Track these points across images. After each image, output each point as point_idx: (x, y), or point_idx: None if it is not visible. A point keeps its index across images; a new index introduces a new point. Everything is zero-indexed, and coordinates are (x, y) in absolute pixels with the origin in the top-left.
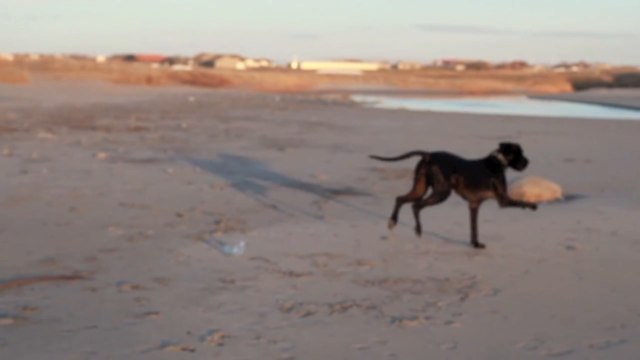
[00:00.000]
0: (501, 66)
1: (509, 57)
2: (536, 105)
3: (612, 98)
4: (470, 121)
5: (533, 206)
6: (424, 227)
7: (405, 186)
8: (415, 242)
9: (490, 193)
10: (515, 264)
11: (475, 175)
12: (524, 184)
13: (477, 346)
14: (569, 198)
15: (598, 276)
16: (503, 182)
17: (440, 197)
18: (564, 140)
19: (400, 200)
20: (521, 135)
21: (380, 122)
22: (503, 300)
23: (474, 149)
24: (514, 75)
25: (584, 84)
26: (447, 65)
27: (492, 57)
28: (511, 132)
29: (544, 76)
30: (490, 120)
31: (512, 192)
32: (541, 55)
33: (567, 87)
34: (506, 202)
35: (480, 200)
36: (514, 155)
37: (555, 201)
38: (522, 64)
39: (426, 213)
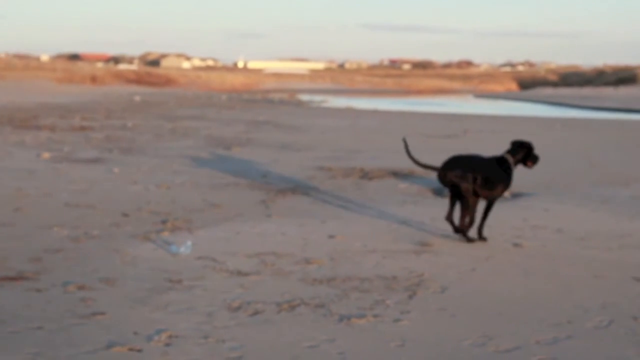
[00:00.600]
0: (447, 65)
1: (455, 57)
2: (482, 104)
3: (558, 97)
4: (417, 120)
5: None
6: (370, 226)
7: (352, 185)
8: (363, 241)
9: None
10: (462, 261)
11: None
12: None
13: (425, 344)
14: (515, 196)
15: (545, 273)
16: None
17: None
18: (510, 138)
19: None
20: (467, 133)
21: (327, 121)
22: (451, 297)
23: (420, 148)
24: (461, 75)
25: (529, 83)
26: (394, 64)
27: (439, 56)
28: (457, 131)
29: (490, 75)
30: (436, 119)
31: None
32: (487, 55)
33: (513, 86)
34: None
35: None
36: (523, 154)
37: (502, 199)
38: (469, 63)
39: (373, 212)
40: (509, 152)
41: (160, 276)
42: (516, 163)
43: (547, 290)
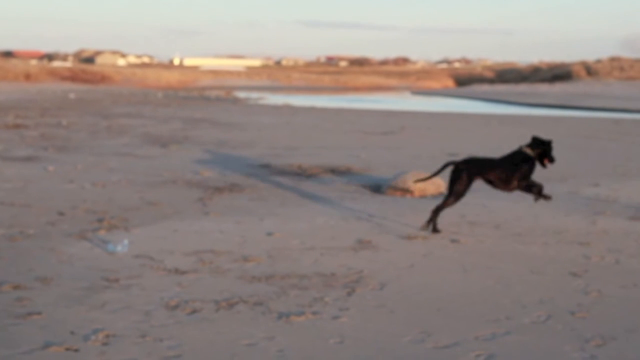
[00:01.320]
0: (384, 62)
1: (392, 53)
2: (419, 100)
3: (494, 93)
4: (355, 117)
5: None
6: (308, 224)
7: (290, 182)
8: (301, 238)
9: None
10: (401, 258)
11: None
12: (408, 178)
13: (364, 340)
14: None
15: (482, 269)
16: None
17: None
18: (447, 135)
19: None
20: (405, 130)
21: (264, 118)
22: (389, 294)
23: (358, 145)
24: (397, 71)
25: (466, 80)
26: (331, 61)
27: (376, 53)
28: (395, 128)
29: (427, 72)
30: (374, 115)
31: (397, 186)
32: (424, 52)
33: (450, 83)
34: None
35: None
36: (541, 150)
37: (440, 195)
38: (405, 60)
39: (311, 209)
40: (528, 145)
41: (97, 275)
42: (535, 157)
43: (485, 286)
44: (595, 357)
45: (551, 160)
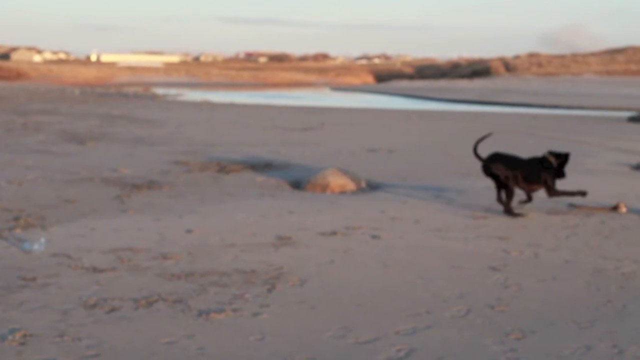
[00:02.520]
0: (304, 58)
1: (312, 49)
2: (339, 96)
3: (413, 89)
4: (275, 113)
5: (582, 193)
6: (228, 220)
7: (209, 179)
8: (221, 235)
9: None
10: (321, 254)
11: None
12: (328, 174)
13: (285, 337)
14: (373, 188)
15: (403, 264)
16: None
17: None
18: (367, 131)
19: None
20: (325, 126)
21: (183, 115)
22: (310, 290)
23: (278, 141)
24: (317, 67)
25: (385, 76)
26: (250, 57)
27: (295, 49)
28: (315, 124)
29: (346, 68)
30: (293, 112)
31: (317, 182)
32: (343, 47)
33: (369, 79)
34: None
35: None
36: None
37: (360, 191)
38: (325, 56)
39: (231, 206)
40: (551, 153)
41: (13, 274)
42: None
43: (405, 281)
44: (515, 350)
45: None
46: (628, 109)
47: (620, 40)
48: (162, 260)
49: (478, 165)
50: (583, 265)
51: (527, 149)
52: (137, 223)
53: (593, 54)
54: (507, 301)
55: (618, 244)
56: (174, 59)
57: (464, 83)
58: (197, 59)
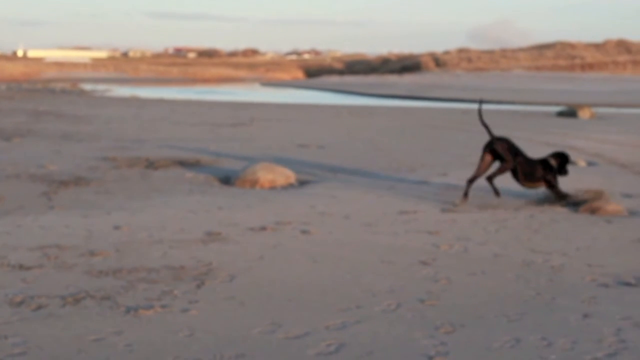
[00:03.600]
0: (233, 54)
1: (241, 45)
2: (269, 92)
3: (344, 85)
4: (204, 109)
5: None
6: (156, 217)
7: (138, 175)
8: (150, 231)
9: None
10: (250, 250)
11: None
12: (257, 170)
13: (214, 333)
14: (303, 183)
15: (333, 259)
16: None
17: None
18: (297, 126)
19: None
20: (254, 122)
21: (111, 111)
22: (239, 286)
23: (208, 137)
24: (247, 63)
25: (316, 71)
26: (179, 52)
27: (224, 44)
28: (245, 120)
29: (277, 63)
30: (223, 107)
31: (246, 178)
32: (273, 43)
33: (299, 74)
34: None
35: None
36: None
37: (289, 186)
38: (254, 52)
39: (160, 202)
40: (552, 156)
41: None
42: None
43: (335, 276)
44: (445, 344)
45: (565, 173)
46: (557, 104)
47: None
48: (89, 257)
49: (408, 159)
50: (512, 259)
51: (456, 144)
52: (64, 220)
53: (522, 50)
54: (437, 295)
55: (547, 238)
56: (102, 54)
57: (394, 78)
58: (125, 54)
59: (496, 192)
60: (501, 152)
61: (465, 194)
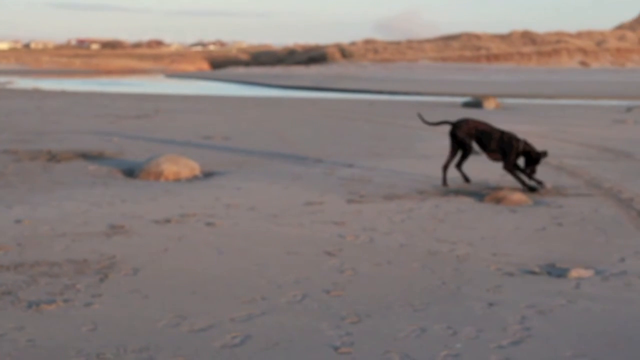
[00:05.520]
0: (137, 45)
1: (145, 36)
2: (174, 83)
3: (250, 76)
4: (107, 101)
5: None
6: (58, 210)
7: (39, 168)
8: (52, 225)
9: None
10: (154, 242)
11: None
12: (162, 162)
13: (117, 326)
14: (207, 175)
15: (238, 251)
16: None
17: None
18: (203, 117)
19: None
20: (159, 113)
21: (12, 103)
22: (143, 279)
23: (111, 129)
24: (151, 54)
25: (221, 63)
26: (82, 44)
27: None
28: (149, 111)
29: (181, 55)
30: (127, 99)
31: (150, 170)
32: (177, 34)
33: (205, 66)
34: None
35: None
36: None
37: (194, 178)
38: (159, 43)
39: (62, 195)
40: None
41: None
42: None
43: (241, 268)
44: (351, 334)
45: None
46: (463, 95)
47: (454, 27)
48: None
49: (314, 150)
50: (418, 249)
51: (362, 135)
52: None
53: (428, 41)
54: (342, 286)
55: (452, 227)
56: (3, 46)
57: (300, 69)
58: (27, 46)
59: (466, 179)
60: (461, 137)
61: (444, 181)
